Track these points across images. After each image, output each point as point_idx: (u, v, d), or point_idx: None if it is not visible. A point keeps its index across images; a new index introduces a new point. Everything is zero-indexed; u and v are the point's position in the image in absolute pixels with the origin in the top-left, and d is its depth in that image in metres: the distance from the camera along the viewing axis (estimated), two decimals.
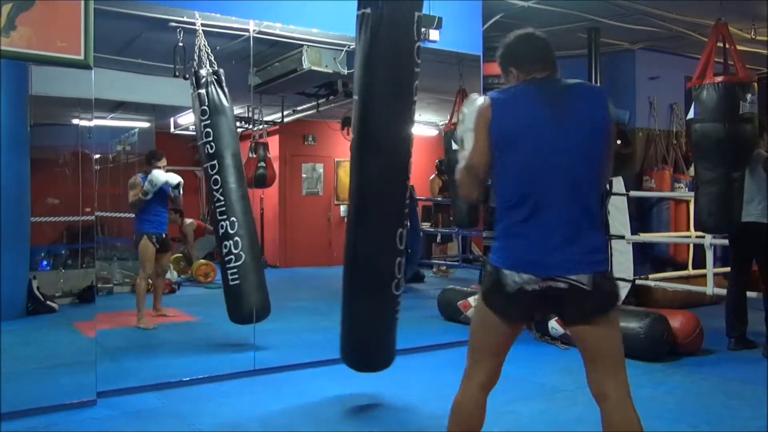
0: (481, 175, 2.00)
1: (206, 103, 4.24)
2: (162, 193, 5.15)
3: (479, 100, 2.00)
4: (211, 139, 4.20)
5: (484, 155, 1.95)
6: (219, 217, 4.25)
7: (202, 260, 7.60)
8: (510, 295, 1.90)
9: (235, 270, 4.21)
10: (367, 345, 3.26)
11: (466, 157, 1.99)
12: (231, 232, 4.21)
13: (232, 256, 4.20)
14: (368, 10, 2.91)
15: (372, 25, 2.90)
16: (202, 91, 4.26)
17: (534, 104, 1.95)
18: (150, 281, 5.39)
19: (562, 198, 1.89)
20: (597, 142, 1.94)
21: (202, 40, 4.19)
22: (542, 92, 1.97)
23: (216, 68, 4.30)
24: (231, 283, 4.23)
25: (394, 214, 3.09)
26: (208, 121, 4.23)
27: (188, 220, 8.08)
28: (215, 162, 4.21)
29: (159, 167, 5.12)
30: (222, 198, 4.22)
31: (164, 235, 5.26)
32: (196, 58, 4.25)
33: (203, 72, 4.26)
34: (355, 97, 3.05)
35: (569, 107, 1.93)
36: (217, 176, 4.21)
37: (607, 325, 1.93)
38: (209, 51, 4.26)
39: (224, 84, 4.30)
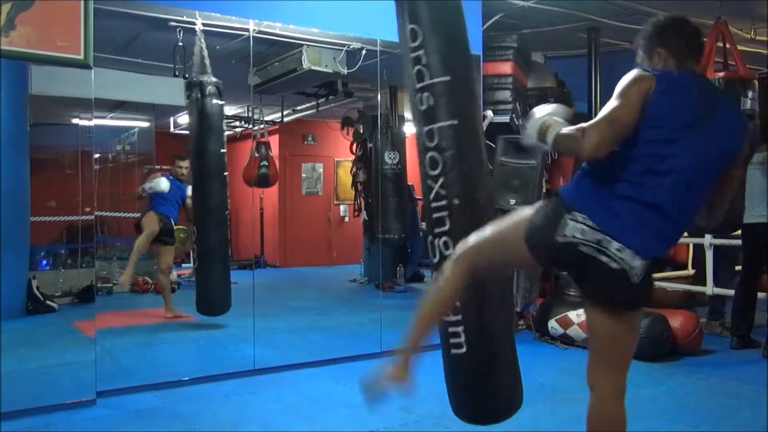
0: (622, 131, 1.82)
1: None
2: (180, 193, 5.40)
3: (633, 74, 1.92)
4: None
5: (633, 115, 1.82)
6: None
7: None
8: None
9: None
10: None
11: (607, 111, 1.84)
12: None
13: None
14: None
15: None
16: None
17: (692, 97, 1.87)
18: (162, 278, 5.56)
19: (683, 196, 1.84)
20: (722, 161, 1.89)
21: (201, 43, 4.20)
22: (701, 89, 1.91)
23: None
24: None
25: None
26: None
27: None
28: None
29: (181, 167, 5.40)
30: None
31: (169, 222, 5.40)
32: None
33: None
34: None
35: (717, 116, 1.87)
36: None
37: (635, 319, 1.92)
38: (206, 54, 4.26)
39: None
